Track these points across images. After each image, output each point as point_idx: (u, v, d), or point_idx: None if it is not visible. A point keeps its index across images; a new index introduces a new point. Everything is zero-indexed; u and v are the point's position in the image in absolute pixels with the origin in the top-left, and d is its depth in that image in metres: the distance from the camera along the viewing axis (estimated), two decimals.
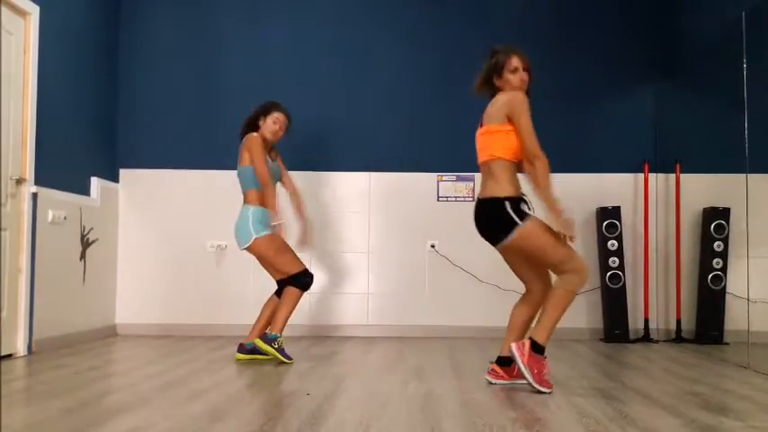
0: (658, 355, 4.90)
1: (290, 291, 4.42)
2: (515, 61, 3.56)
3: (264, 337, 4.38)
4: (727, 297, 5.51)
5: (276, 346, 4.33)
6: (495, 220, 3.47)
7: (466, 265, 5.89)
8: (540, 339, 3.44)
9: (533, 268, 3.62)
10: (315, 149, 5.99)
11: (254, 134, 4.46)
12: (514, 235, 3.42)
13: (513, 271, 3.72)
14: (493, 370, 3.67)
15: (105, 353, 4.84)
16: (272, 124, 4.52)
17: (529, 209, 3.52)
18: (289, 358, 4.36)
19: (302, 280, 4.45)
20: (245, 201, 4.47)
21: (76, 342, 5.13)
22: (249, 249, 4.42)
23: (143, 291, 5.88)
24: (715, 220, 5.60)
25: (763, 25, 4.53)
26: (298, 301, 4.46)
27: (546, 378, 3.42)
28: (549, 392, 3.37)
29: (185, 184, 5.98)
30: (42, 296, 4.73)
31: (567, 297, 3.44)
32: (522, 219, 3.42)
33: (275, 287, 4.58)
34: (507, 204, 3.43)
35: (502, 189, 3.47)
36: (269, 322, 4.49)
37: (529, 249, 3.48)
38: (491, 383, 3.64)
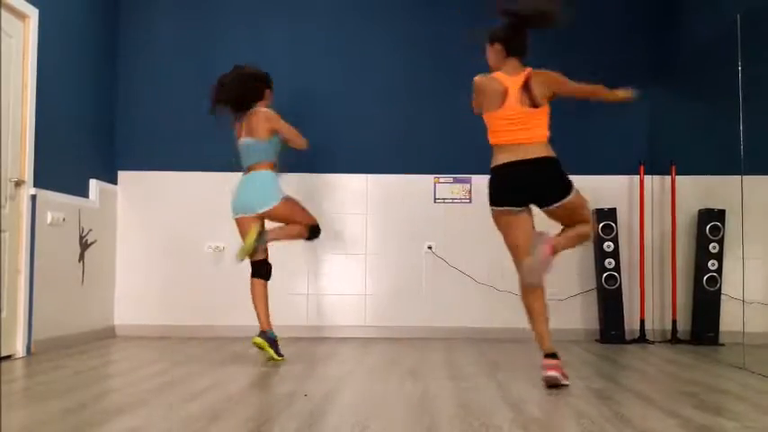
0: (654, 356, 4.92)
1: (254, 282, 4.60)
2: (488, 37, 3.90)
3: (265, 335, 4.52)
4: (723, 298, 5.52)
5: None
6: (559, 178, 3.69)
7: (463, 267, 5.91)
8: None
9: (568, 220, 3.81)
10: (313, 151, 5.94)
11: (270, 111, 4.56)
12: (573, 194, 3.69)
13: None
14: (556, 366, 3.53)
15: (104, 354, 4.86)
16: (271, 96, 4.67)
17: None
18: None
19: (316, 231, 4.65)
20: (261, 168, 4.52)
21: (75, 343, 5.14)
22: (272, 209, 4.49)
23: (142, 292, 5.89)
24: (710, 222, 5.62)
25: (757, 28, 4.56)
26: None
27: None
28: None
29: (184, 186, 5.98)
30: (41, 297, 4.74)
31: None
32: None
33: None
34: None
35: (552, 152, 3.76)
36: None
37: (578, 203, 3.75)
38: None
